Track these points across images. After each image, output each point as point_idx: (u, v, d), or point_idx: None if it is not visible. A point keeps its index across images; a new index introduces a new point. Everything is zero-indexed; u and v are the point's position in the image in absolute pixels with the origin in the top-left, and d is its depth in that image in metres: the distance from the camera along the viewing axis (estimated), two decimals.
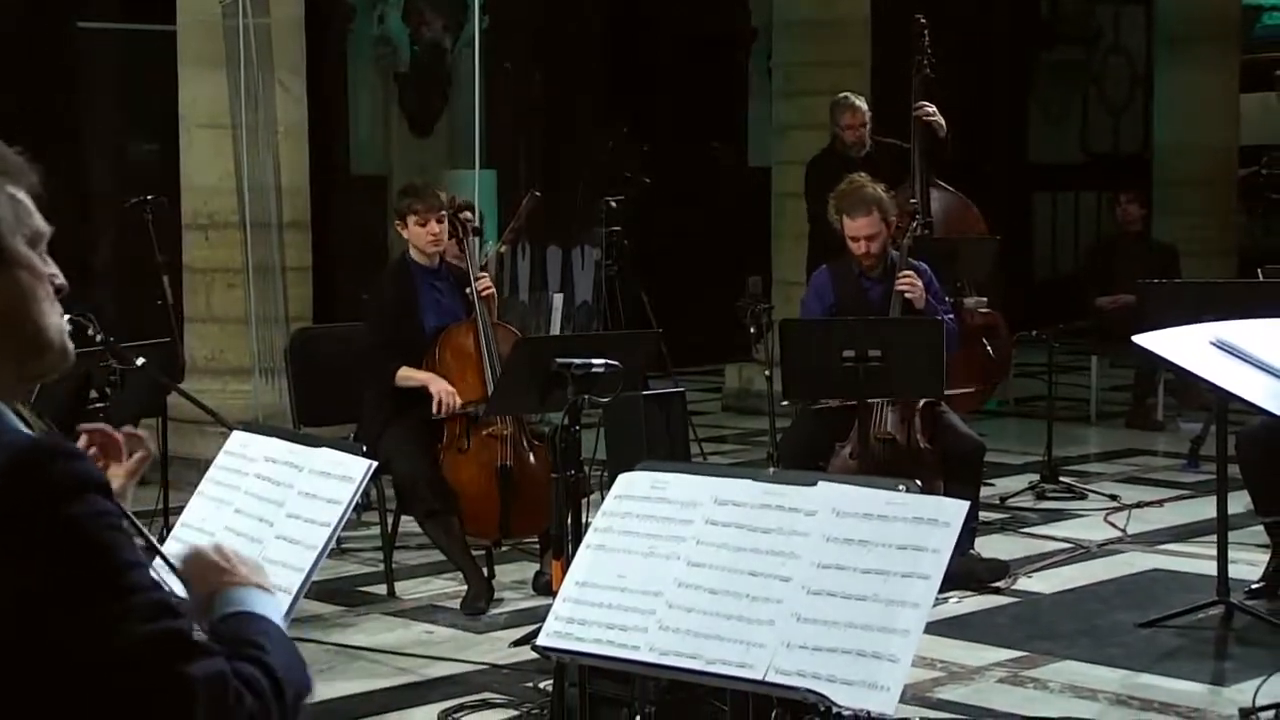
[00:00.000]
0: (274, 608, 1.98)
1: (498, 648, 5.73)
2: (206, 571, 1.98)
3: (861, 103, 8.85)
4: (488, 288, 6.57)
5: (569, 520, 4.62)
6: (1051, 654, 5.60)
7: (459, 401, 6.27)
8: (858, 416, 6.46)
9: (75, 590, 1.66)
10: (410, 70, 12.48)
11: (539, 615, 4.12)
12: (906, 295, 6.54)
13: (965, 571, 6.21)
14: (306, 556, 2.82)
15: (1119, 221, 11.24)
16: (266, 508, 2.98)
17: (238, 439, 3.17)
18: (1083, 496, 8.18)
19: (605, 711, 4.13)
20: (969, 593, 6.29)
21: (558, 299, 10.00)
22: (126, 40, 10.94)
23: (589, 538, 3.17)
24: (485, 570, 6.42)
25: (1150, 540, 7.30)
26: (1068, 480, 8.37)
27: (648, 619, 2.98)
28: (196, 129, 8.69)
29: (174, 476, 6.58)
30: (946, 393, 6.54)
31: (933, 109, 8.56)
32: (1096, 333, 10.33)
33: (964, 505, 2.91)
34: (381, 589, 6.53)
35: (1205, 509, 7.09)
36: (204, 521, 3.05)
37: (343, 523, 2.89)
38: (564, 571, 3.25)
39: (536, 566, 6.49)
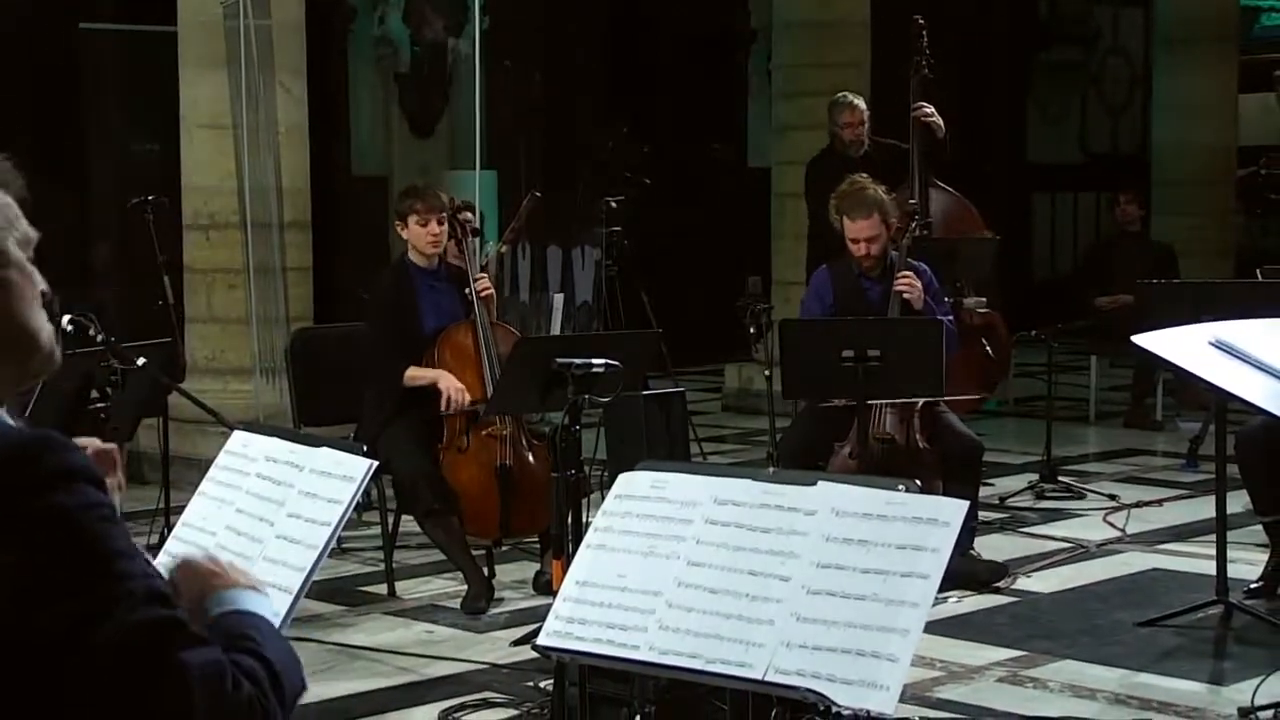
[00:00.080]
0: (267, 608, 1.97)
1: (498, 647, 5.74)
2: (197, 578, 1.98)
3: (859, 102, 8.86)
4: (487, 288, 6.57)
5: (569, 520, 4.63)
6: (1051, 653, 5.61)
7: (468, 398, 6.28)
8: (857, 416, 6.47)
9: (67, 579, 1.66)
10: (411, 71, 12.49)
11: (539, 615, 4.13)
12: (905, 296, 6.55)
13: (965, 571, 6.22)
14: (307, 556, 2.82)
15: (1118, 221, 11.25)
16: (267, 507, 2.98)
17: (238, 439, 3.17)
18: (1082, 496, 8.19)
19: (605, 711, 4.14)
20: (968, 592, 6.30)
21: (558, 299, 10.01)
22: (128, 41, 10.96)
23: (589, 537, 3.18)
24: (485, 570, 6.43)
25: (1149, 540, 7.31)
26: (1067, 480, 8.37)
27: (648, 618, 2.98)
28: (197, 129, 8.70)
29: (175, 476, 6.60)
30: (946, 397, 6.55)
31: (931, 110, 8.57)
32: (1095, 333, 10.34)
33: (963, 505, 2.92)
34: (382, 588, 6.54)
35: (1204, 509, 7.09)
36: (205, 521, 3.05)
37: (343, 522, 2.89)
38: (564, 571, 3.26)
39: (537, 566, 6.50)
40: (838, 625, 2.80)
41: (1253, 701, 4.87)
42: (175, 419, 6.99)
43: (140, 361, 5.65)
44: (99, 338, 5.50)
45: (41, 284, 1.89)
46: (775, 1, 11.09)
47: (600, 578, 3.08)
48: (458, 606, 6.23)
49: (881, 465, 6.34)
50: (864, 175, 6.89)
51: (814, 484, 3.01)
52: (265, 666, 1.79)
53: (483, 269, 6.99)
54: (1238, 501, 6.37)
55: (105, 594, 1.67)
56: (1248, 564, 6.45)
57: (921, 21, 8.91)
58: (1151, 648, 5.65)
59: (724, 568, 2.96)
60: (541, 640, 3.13)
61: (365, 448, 3.12)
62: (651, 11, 13.69)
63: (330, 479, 2.96)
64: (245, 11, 8.47)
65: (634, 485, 3.17)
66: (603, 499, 3.24)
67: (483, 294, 6.51)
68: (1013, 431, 10.05)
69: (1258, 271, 8.01)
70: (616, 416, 5.96)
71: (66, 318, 5.44)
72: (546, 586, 5.83)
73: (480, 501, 6.30)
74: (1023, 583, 6.55)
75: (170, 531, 3.30)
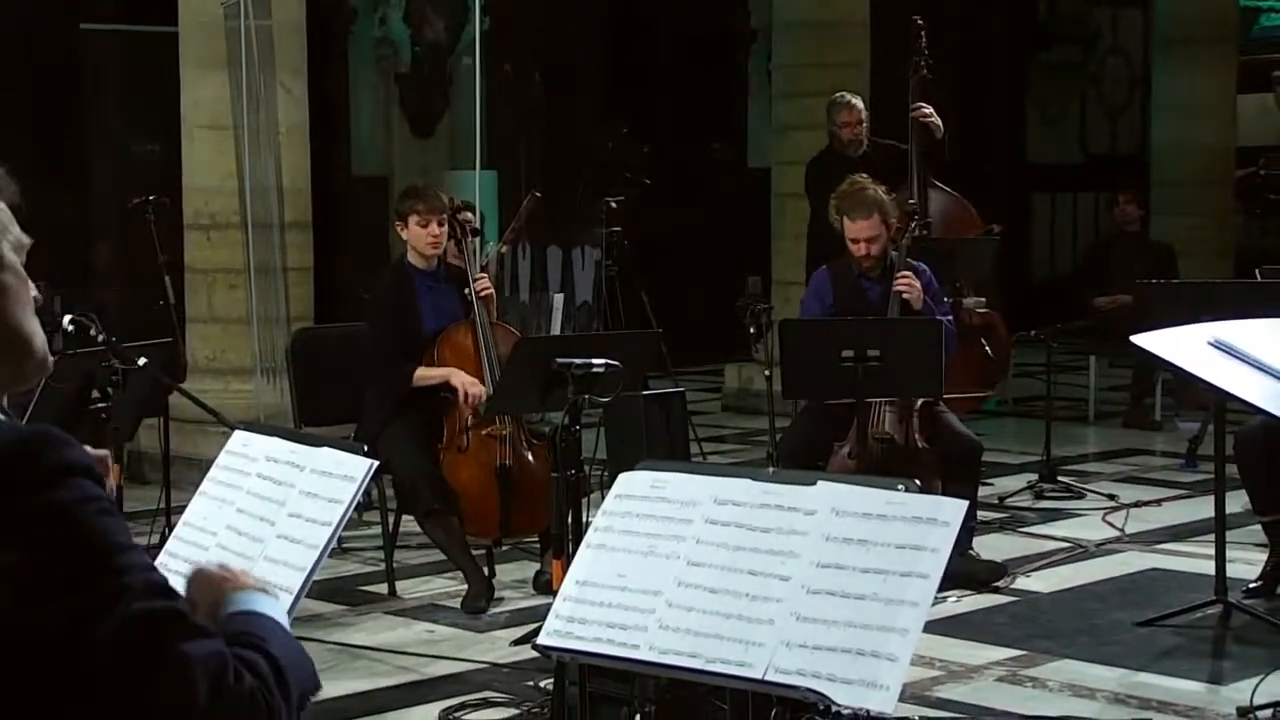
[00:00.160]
0: (277, 609, 1.98)
1: (498, 647, 5.75)
2: (210, 586, 1.99)
3: (858, 102, 8.87)
4: (486, 288, 6.58)
5: (569, 520, 4.64)
6: (1050, 653, 5.61)
7: (483, 391, 6.28)
8: (856, 416, 6.48)
9: (67, 575, 1.67)
10: (411, 71, 12.50)
11: (539, 614, 4.13)
12: (904, 296, 6.56)
13: (964, 571, 6.23)
14: (308, 556, 2.83)
15: (1117, 222, 11.26)
16: (268, 507, 2.99)
17: (239, 438, 3.18)
18: (1081, 496, 8.20)
19: (605, 710, 4.15)
20: (968, 592, 6.31)
21: (558, 299, 10.02)
22: (129, 42, 10.97)
23: (589, 537, 3.18)
24: (486, 569, 6.44)
25: (1148, 540, 7.32)
26: (1066, 480, 8.38)
27: (648, 618, 2.99)
28: (198, 130, 8.71)
29: (176, 476, 6.60)
30: (946, 396, 6.56)
31: (930, 110, 8.58)
32: (1095, 333, 10.35)
33: (963, 505, 2.92)
34: (382, 588, 6.55)
35: (1203, 508, 7.10)
36: (206, 521, 3.06)
37: (344, 522, 2.90)
38: (564, 571, 3.26)
39: (537, 565, 6.51)
40: (837, 625, 2.81)
41: (1251, 701, 4.88)
42: (176, 419, 7.00)
43: (141, 361, 5.66)
44: (100, 338, 5.51)
45: (34, 291, 1.90)
46: (775, 1, 11.10)
47: (600, 577, 3.08)
48: (458, 606, 6.23)
49: (881, 465, 6.35)
50: (864, 175, 6.89)
51: (814, 484, 3.01)
52: (269, 661, 1.79)
53: (483, 269, 6.99)
54: (1237, 501, 6.38)
55: (105, 589, 1.68)
56: (1246, 564, 6.46)
57: (921, 22, 8.93)
58: (1150, 647, 5.66)
59: (724, 567, 2.97)
60: (542, 640, 3.13)
61: (366, 448, 3.13)
62: (651, 11, 13.70)
63: (331, 479, 2.97)
64: (246, 12, 8.48)
65: (634, 485, 3.18)
66: (603, 499, 3.25)
67: (483, 294, 6.51)
68: (1012, 431, 10.06)
69: (1256, 271, 8.01)
70: (616, 416, 5.97)
71: (68, 318, 5.46)
72: (547, 586, 5.84)
73: (480, 501, 6.31)
74: (1022, 582, 6.56)
75: (171, 531, 3.30)
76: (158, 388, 6.22)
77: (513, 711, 5.05)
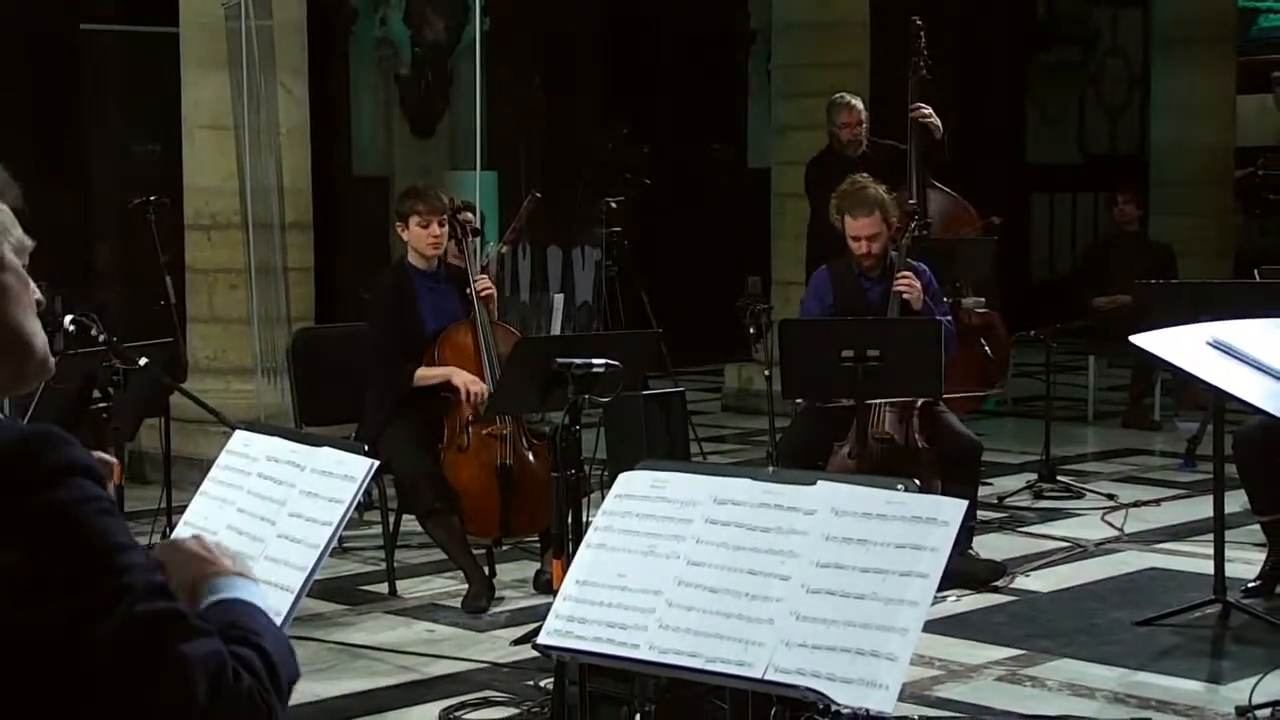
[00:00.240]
0: (260, 595, 1.96)
1: (499, 646, 5.75)
2: (187, 562, 1.96)
3: (857, 102, 8.88)
4: (487, 288, 6.59)
5: (569, 519, 4.65)
6: (1049, 652, 5.62)
7: (484, 389, 6.29)
8: (856, 416, 6.49)
9: (68, 576, 1.67)
10: (412, 72, 12.51)
11: (540, 614, 4.14)
12: (904, 296, 6.57)
13: (964, 570, 6.24)
14: (309, 555, 2.83)
15: (1116, 222, 11.26)
16: (269, 507, 2.99)
17: (240, 438, 3.19)
18: (1080, 496, 8.21)
19: (605, 709, 4.15)
20: (967, 591, 6.31)
21: (558, 299, 10.03)
22: (129, 42, 10.98)
23: (589, 537, 3.19)
24: (486, 569, 6.45)
25: (1147, 539, 7.33)
26: (1065, 479, 8.39)
27: (648, 617, 3.00)
28: (199, 130, 8.71)
29: (176, 476, 6.61)
30: (946, 396, 6.57)
31: (929, 110, 8.59)
32: (1094, 333, 10.35)
33: (962, 504, 2.93)
34: (383, 588, 6.56)
35: (1202, 508, 7.10)
36: (206, 520, 3.07)
37: (345, 522, 2.91)
38: (564, 570, 3.27)
39: (537, 565, 6.51)
40: (837, 624, 2.82)
41: (1250, 700, 4.89)
42: (177, 419, 7.00)
43: (142, 361, 5.66)
44: (101, 338, 5.51)
45: (38, 293, 1.91)
46: (775, 2, 11.11)
47: (600, 577, 3.09)
48: (458, 605, 6.24)
49: (881, 465, 6.36)
50: (865, 175, 6.91)
51: (813, 483, 3.02)
52: (263, 657, 1.79)
53: (483, 269, 7.00)
54: (1235, 501, 6.39)
55: (106, 589, 1.68)
56: (1245, 563, 6.47)
57: (920, 22, 8.93)
58: (1149, 647, 5.66)
59: (724, 567, 2.98)
60: (542, 639, 3.14)
61: (366, 447, 3.14)
62: (651, 11, 13.71)
63: (331, 478, 2.97)
64: (247, 12, 8.49)
65: (634, 485, 3.19)
66: (603, 499, 3.25)
67: (483, 294, 6.52)
68: (1011, 431, 10.07)
69: (1255, 272, 8.01)
70: (616, 416, 5.98)
71: (69, 318, 5.46)
72: (547, 586, 5.85)
73: (481, 501, 6.32)
74: (1021, 582, 6.56)
75: (172, 531, 3.31)
76: (159, 388, 6.22)
77: (513, 711, 5.06)
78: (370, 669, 5.57)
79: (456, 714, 5.06)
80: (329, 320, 9.06)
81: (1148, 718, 4.96)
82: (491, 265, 8.28)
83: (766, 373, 7.69)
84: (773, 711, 3.27)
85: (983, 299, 8.86)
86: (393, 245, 10.09)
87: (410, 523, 6.64)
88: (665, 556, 3.04)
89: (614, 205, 9.66)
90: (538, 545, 6.63)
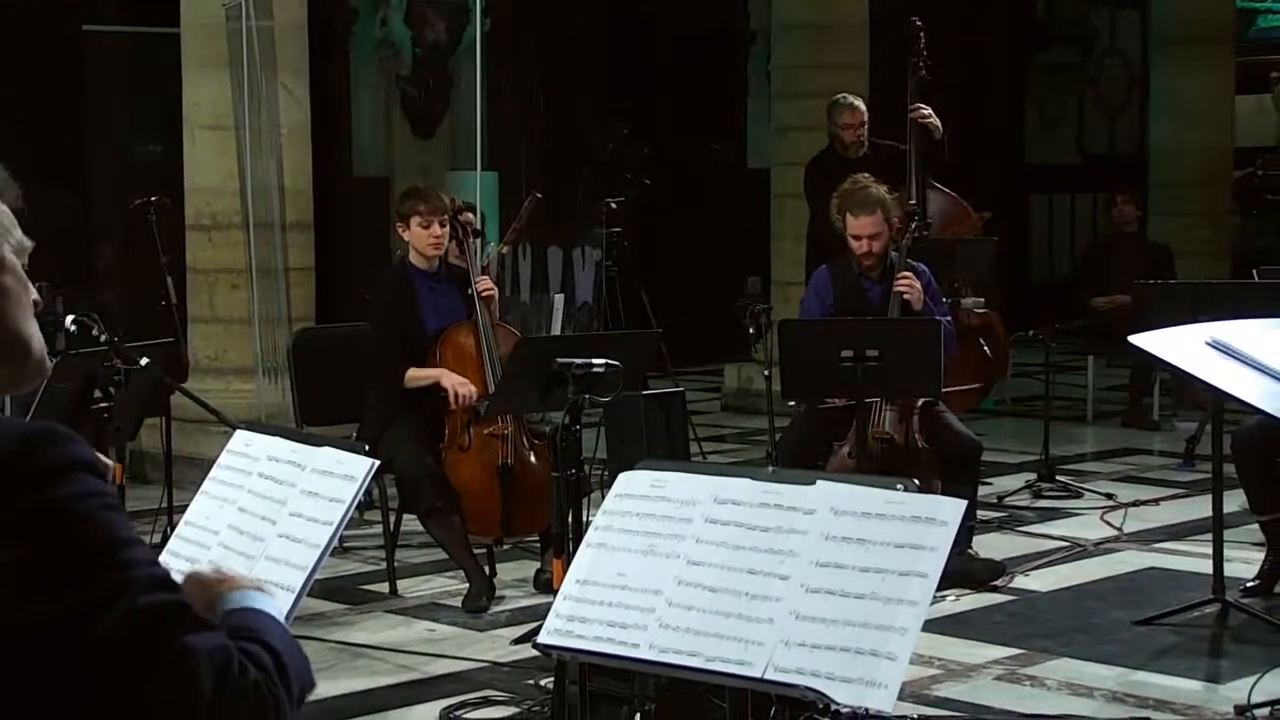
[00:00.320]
0: (274, 607, 1.98)
1: (499, 645, 5.76)
2: (205, 588, 1.98)
3: (859, 103, 8.89)
4: (488, 288, 6.60)
5: (569, 519, 4.66)
6: (1048, 652, 5.63)
7: (473, 391, 6.30)
8: (856, 416, 6.49)
9: (70, 571, 1.67)
10: (412, 72, 12.51)
11: (540, 613, 4.15)
12: (905, 297, 6.58)
13: (963, 570, 6.25)
14: (309, 555, 2.84)
15: (1115, 222, 11.27)
16: (269, 506, 3.00)
17: (241, 438, 3.20)
18: (1079, 495, 8.21)
19: (605, 709, 4.16)
20: (966, 591, 6.32)
21: (558, 299, 10.04)
22: (131, 43, 10.99)
23: (589, 536, 3.20)
24: (487, 568, 6.46)
25: (1146, 539, 7.33)
26: (1064, 479, 8.39)
27: (648, 617, 3.00)
28: (200, 130, 8.73)
29: (177, 475, 6.63)
30: (944, 389, 6.58)
31: (928, 111, 8.59)
32: (1093, 333, 10.36)
33: (961, 504, 2.94)
34: (384, 587, 6.56)
35: (1201, 508, 7.11)
36: (207, 520, 3.08)
37: (345, 521, 2.92)
38: (565, 570, 3.28)
39: (537, 564, 6.52)
40: (836, 623, 2.82)
41: (1249, 699, 4.89)
42: (178, 419, 7.02)
43: (143, 361, 5.68)
44: (102, 338, 5.53)
45: (34, 294, 1.92)
46: (774, 2, 11.11)
47: (601, 576, 3.10)
48: (459, 605, 6.25)
49: (880, 465, 6.36)
50: (866, 175, 6.91)
51: (813, 483, 3.03)
52: (272, 655, 1.79)
53: (484, 269, 7.01)
54: (1234, 500, 6.40)
55: (109, 583, 1.68)
56: (1244, 563, 6.47)
57: (919, 23, 8.94)
58: (1148, 646, 5.67)
59: (724, 566, 2.98)
60: (542, 638, 3.15)
61: (367, 447, 3.15)
62: (651, 11, 13.72)
63: (332, 478, 2.99)
64: (247, 13, 8.49)
65: (634, 484, 3.20)
66: (603, 498, 3.26)
67: (484, 294, 6.53)
68: (1011, 431, 10.07)
69: (1254, 272, 8.02)
70: (616, 416, 5.98)
71: (70, 318, 5.48)
72: (547, 585, 5.85)
73: (481, 500, 6.33)
74: (1020, 581, 6.57)
75: (173, 531, 3.32)
76: (160, 387, 6.24)
77: (513, 710, 5.07)
78: (371, 668, 5.57)
79: (457, 713, 5.06)
80: (330, 320, 9.07)
81: (1147, 717, 4.97)
82: (492, 265, 8.30)
83: (766, 373, 7.69)
84: (772, 711, 3.29)
85: (982, 299, 8.87)
86: (393, 245, 10.08)
87: (411, 522, 6.64)
88: (665, 556, 3.05)
89: (614, 205, 9.68)
90: (538, 545, 6.64)
